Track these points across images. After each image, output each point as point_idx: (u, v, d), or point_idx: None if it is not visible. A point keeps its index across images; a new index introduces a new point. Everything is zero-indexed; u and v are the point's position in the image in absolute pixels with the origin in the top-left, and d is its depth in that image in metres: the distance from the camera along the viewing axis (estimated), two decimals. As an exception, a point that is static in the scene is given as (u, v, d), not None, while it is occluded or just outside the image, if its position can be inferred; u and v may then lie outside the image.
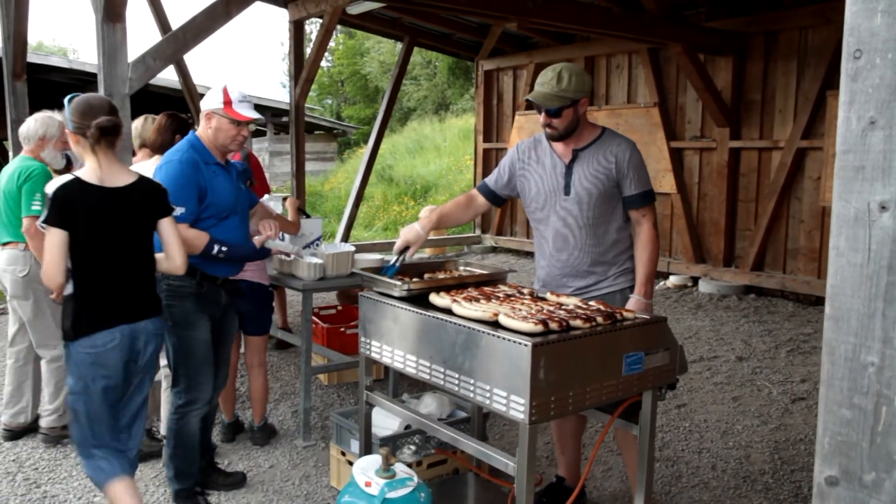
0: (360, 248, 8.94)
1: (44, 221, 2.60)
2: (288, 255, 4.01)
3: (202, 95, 11.91)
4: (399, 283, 2.67)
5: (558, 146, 3.02)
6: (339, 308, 5.71)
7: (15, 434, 4.16)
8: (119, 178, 2.72)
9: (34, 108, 4.72)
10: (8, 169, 4.04)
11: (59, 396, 4.03)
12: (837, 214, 1.25)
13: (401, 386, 4.64)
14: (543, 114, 2.93)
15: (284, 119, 15.91)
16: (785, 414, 4.65)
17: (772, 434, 4.32)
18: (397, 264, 2.95)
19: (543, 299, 2.69)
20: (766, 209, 8.03)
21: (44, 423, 4.10)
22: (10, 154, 7.27)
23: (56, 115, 4.17)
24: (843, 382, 1.25)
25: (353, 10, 8.61)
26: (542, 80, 2.92)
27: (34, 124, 4.09)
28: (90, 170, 2.68)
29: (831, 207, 1.32)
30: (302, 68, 9.28)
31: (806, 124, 7.61)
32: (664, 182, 8.93)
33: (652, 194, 3.01)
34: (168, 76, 10.78)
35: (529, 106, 2.97)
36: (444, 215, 3.16)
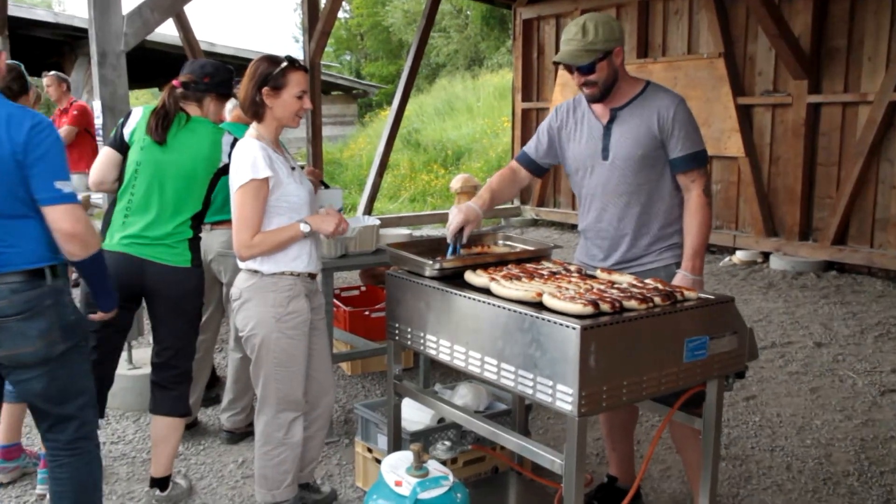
0: (386, 222, 8.96)
1: None
2: None
3: (206, 53, 11.90)
4: (431, 260, 2.68)
5: (597, 107, 3.04)
6: (363, 289, 5.75)
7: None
8: None
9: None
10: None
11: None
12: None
13: (433, 375, 4.68)
14: (576, 73, 2.93)
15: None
16: (872, 408, 4.59)
17: (857, 431, 4.28)
18: (458, 247, 2.90)
19: (593, 277, 2.68)
20: (851, 173, 7.86)
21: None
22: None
23: None
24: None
25: (374, -48, 8.58)
26: (566, 36, 2.92)
27: None
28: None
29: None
30: (317, 20, 9.29)
31: (900, 74, 7.42)
32: (730, 144, 8.79)
33: (703, 156, 2.97)
34: (167, 31, 10.86)
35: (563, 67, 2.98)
36: (494, 192, 3.15)
